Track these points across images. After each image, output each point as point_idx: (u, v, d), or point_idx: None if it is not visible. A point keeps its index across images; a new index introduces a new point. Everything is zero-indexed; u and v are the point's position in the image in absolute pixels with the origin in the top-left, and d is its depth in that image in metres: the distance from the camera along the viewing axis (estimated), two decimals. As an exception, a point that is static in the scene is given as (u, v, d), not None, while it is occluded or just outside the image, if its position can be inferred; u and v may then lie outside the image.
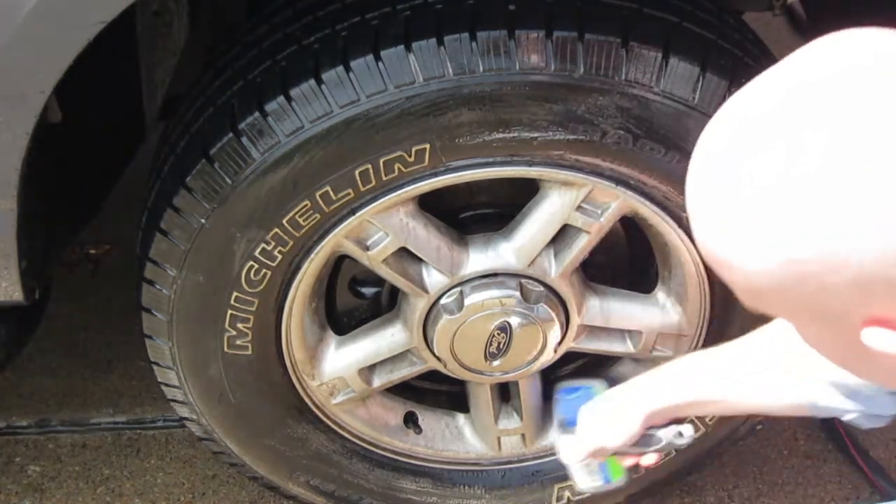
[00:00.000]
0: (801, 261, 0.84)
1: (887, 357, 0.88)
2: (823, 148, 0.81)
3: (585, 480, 1.60)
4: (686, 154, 1.56)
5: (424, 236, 1.65)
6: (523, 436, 1.92)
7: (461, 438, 1.95)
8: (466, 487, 1.95)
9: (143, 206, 1.71)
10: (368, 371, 1.82)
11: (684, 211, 1.62)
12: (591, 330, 1.81)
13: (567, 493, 1.95)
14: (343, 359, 1.81)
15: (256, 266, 1.62)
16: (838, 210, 0.82)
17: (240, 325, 1.68)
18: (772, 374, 1.36)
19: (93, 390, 2.38)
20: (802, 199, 0.83)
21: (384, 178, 1.55)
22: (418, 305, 1.72)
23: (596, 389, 1.63)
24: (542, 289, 1.71)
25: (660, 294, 1.81)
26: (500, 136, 1.53)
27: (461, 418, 1.95)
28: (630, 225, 1.78)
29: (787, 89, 0.85)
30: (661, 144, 1.55)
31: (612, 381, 1.73)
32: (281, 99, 1.50)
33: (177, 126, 1.69)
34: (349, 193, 1.56)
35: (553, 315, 1.72)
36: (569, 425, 1.58)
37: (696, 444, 1.90)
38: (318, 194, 1.55)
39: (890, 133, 0.80)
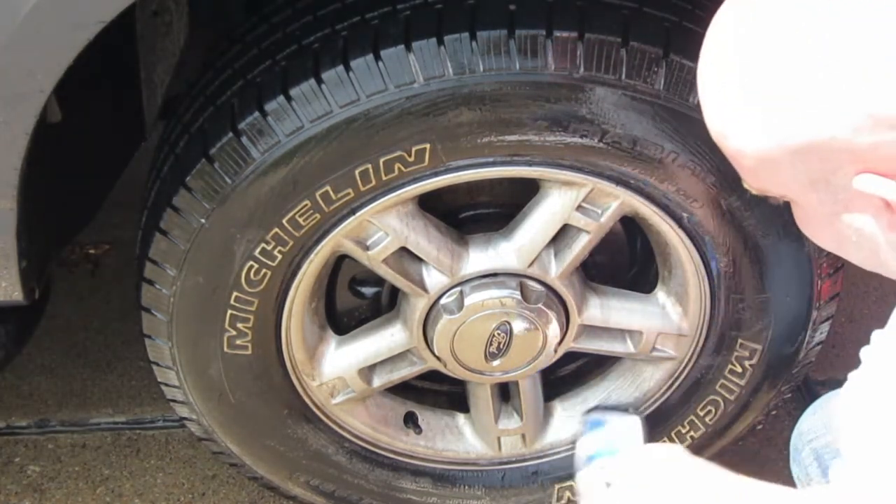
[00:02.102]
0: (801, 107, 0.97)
1: (872, 223, 0.99)
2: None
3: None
4: (686, 154, 1.57)
5: (424, 236, 1.65)
6: (523, 436, 1.92)
7: (461, 438, 1.95)
8: (466, 487, 1.95)
9: (143, 206, 1.71)
10: (368, 371, 1.82)
11: (684, 211, 1.63)
12: (591, 330, 1.81)
13: (567, 494, 1.95)
14: (343, 359, 1.81)
15: (256, 266, 1.62)
16: (816, 87, 0.95)
17: (240, 325, 1.68)
18: None
19: (92, 390, 2.38)
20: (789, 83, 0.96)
21: (384, 178, 1.55)
22: (418, 305, 1.71)
23: (625, 427, 1.65)
24: (542, 289, 1.71)
25: (660, 294, 1.81)
26: (500, 135, 1.53)
27: (461, 418, 1.95)
28: (630, 225, 1.78)
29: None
30: (661, 144, 1.55)
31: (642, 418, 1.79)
32: (281, 99, 1.50)
33: (177, 126, 1.68)
34: (349, 193, 1.56)
35: (553, 315, 1.72)
36: (592, 458, 1.61)
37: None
38: (318, 194, 1.55)
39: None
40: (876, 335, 1.03)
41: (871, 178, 0.95)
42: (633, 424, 1.74)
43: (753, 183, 1.09)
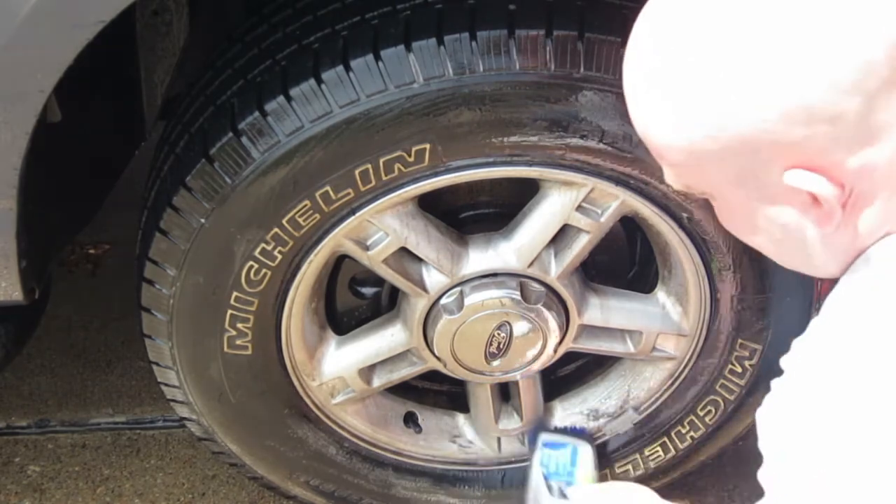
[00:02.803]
0: (720, 137, 0.97)
1: (801, 219, 0.98)
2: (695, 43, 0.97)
3: None
4: (686, 154, 1.56)
5: (424, 236, 1.65)
6: (523, 435, 1.92)
7: (461, 438, 1.95)
8: (466, 487, 1.95)
9: (143, 206, 1.71)
10: (368, 371, 1.82)
11: (685, 211, 1.63)
12: (591, 330, 1.81)
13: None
14: (343, 359, 1.81)
15: (256, 266, 1.62)
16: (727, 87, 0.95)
17: (240, 325, 1.68)
18: None
19: (92, 390, 2.38)
20: (704, 84, 0.96)
21: (384, 178, 1.55)
22: (418, 305, 1.71)
23: (582, 451, 1.72)
24: (542, 289, 1.71)
25: (660, 294, 1.81)
26: (500, 135, 1.53)
27: (461, 418, 1.95)
28: (630, 225, 1.78)
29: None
30: (662, 144, 1.55)
31: (596, 445, 1.83)
32: (281, 99, 1.50)
33: (177, 126, 1.68)
34: (349, 193, 1.56)
35: (553, 315, 1.72)
36: (547, 478, 1.66)
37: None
38: (318, 194, 1.55)
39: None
40: (796, 343, 1.02)
41: (802, 173, 0.94)
42: (587, 451, 1.77)
43: (677, 179, 1.08)
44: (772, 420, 1.00)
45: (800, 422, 0.97)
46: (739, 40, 0.94)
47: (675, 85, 0.98)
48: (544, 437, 1.79)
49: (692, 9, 0.98)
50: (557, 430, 1.85)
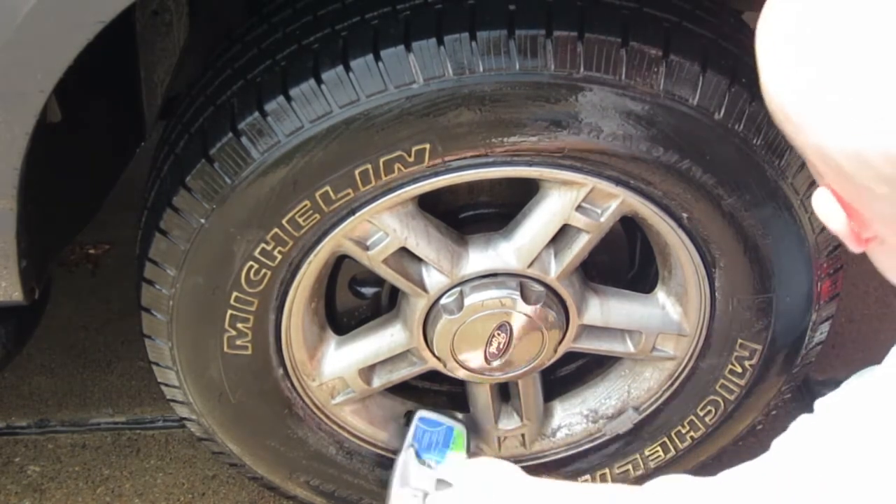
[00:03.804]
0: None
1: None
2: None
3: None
4: (686, 154, 1.57)
5: (424, 236, 1.65)
6: (523, 436, 1.92)
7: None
8: (466, 487, 1.95)
9: (143, 206, 1.71)
10: (368, 371, 1.82)
11: (684, 211, 1.63)
12: (591, 330, 1.81)
13: (567, 494, 1.95)
14: (343, 359, 1.81)
15: (256, 266, 1.62)
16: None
17: (240, 325, 1.68)
18: None
19: (92, 390, 2.38)
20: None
21: (384, 178, 1.55)
22: (418, 305, 1.71)
23: (457, 433, 1.76)
24: (542, 289, 1.71)
25: (660, 294, 1.81)
26: (500, 135, 1.53)
27: (461, 418, 1.95)
28: (630, 225, 1.78)
29: None
30: (661, 144, 1.55)
31: (469, 425, 1.86)
32: (281, 99, 1.50)
33: (177, 126, 1.68)
34: (349, 193, 1.56)
35: (553, 315, 1.72)
36: (419, 454, 1.70)
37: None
38: (317, 194, 1.55)
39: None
40: (841, 391, 1.00)
41: (827, 198, 0.94)
42: (461, 433, 1.80)
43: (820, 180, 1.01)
44: (787, 447, 0.99)
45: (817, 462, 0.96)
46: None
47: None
48: (421, 413, 1.82)
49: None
50: (435, 411, 1.85)
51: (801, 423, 0.99)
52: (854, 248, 0.97)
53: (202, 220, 1.58)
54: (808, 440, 0.97)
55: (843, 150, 0.89)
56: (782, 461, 0.99)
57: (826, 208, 0.94)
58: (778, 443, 0.99)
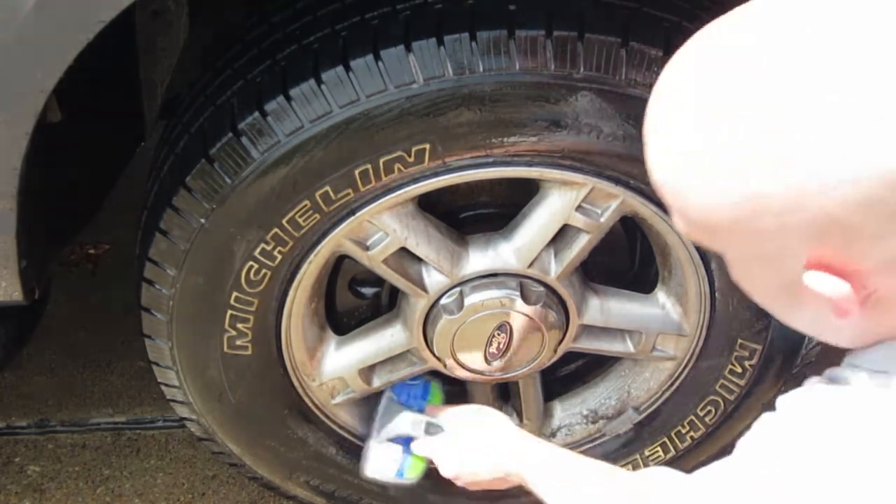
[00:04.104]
0: (766, 195, 0.86)
1: (818, 301, 0.90)
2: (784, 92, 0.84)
3: (379, 468, 1.69)
4: (686, 154, 1.56)
5: (424, 237, 1.65)
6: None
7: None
8: (466, 487, 1.95)
9: (143, 206, 1.71)
10: (368, 371, 1.82)
11: (684, 211, 1.63)
12: (591, 330, 1.81)
13: (567, 494, 1.95)
14: (343, 359, 1.81)
15: (256, 266, 1.62)
16: (806, 149, 0.83)
17: (240, 325, 1.68)
18: None
19: (92, 390, 2.38)
20: (765, 133, 0.84)
21: (384, 178, 1.55)
22: (418, 305, 1.71)
23: (433, 385, 1.77)
24: (542, 289, 1.71)
25: (660, 294, 1.81)
26: (500, 136, 1.53)
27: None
28: (630, 225, 1.78)
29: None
30: (661, 144, 1.55)
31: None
32: (281, 99, 1.50)
33: (177, 126, 1.68)
34: (349, 193, 1.56)
35: (553, 315, 1.72)
36: (401, 402, 1.72)
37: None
38: (317, 194, 1.55)
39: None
40: (798, 392, 1.00)
41: (822, 276, 0.88)
42: (438, 387, 1.80)
43: (689, 235, 0.97)
44: (756, 447, 0.99)
45: (773, 458, 0.96)
46: (789, 140, 0.84)
47: (709, 165, 0.88)
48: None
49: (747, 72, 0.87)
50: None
51: (764, 421, 0.98)
52: (852, 317, 0.91)
53: (202, 220, 1.58)
54: (769, 438, 0.97)
55: (851, 204, 0.83)
56: (745, 460, 0.98)
57: (826, 286, 0.88)
58: (742, 442, 1.00)
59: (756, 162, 0.85)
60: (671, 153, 0.91)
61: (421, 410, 1.73)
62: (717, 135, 0.86)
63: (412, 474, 1.69)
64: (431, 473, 1.66)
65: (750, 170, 0.86)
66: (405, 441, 1.69)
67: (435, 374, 1.84)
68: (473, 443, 1.57)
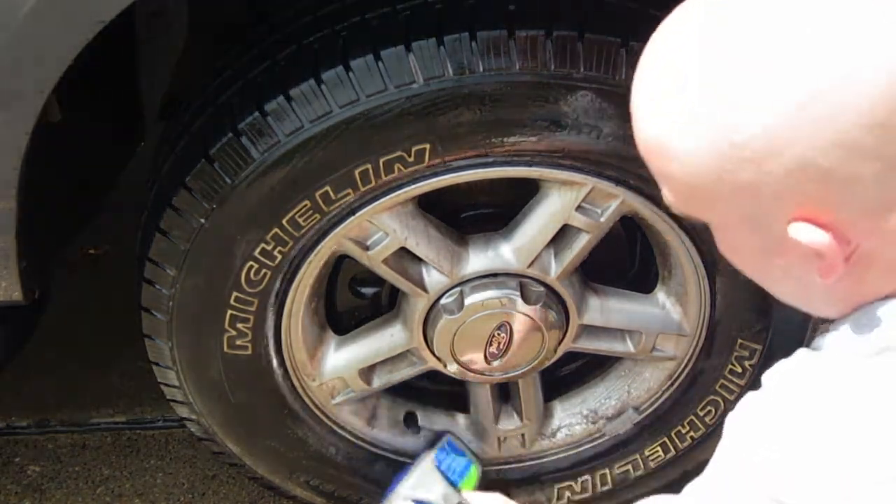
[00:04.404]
0: (741, 144, 0.89)
1: (803, 264, 0.93)
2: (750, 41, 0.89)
3: None
4: (686, 154, 1.56)
5: (424, 236, 1.65)
6: (523, 436, 1.92)
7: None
8: (466, 487, 1.95)
9: (143, 206, 1.71)
10: (368, 371, 1.82)
11: (684, 211, 1.63)
12: (591, 330, 1.81)
13: (567, 494, 1.95)
14: (343, 359, 1.81)
15: (256, 266, 1.62)
16: (773, 92, 0.87)
17: (240, 325, 1.68)
18: None
19: (93, 390, 2.38)
20: (741, 80, 0.88)
21: (384, 178, 1.55)
22: (418, 305, 1.71)
23: (473, 468, 1.78)
24: (542, 289, 1.71)
25: (660, 294, 1.81)
26: (500, 135, 1.53)
27: (461, 418, 1.95)
28: (630, 225, 1.78)
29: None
30: (661, 144, 1.55)
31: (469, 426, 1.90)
32: (281, 99, 1.50)
33: (177, 126, 1.69)
34: (349, 193, 1.56)
35: (553, 315, 1.72)
36: (440, 470, 1.71)
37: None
38: (317, 194, 1.55)
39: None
40: (780, 364, 1.01)
41: (806, 226, 0.90)
42: (477, 472, 1.80)
43: (677, 206, 1.01)
44: (738, 425, 1.00)
45: (760, 434, 0.97)
46: (759, 90, 0.88)
47: (689, 118, 0.92)
48: (451, 437, 1.82)
49: (727, 31, 0.92)
50: (460, 442, 1.86)
51: (748, 399, 1.00)
52: (837, 275, 0.93)
53: (202, 220, 1.58)
54: (752, 414, 0.98)
55: (827, 145, 0.87)
56: (731, 438, 1.00)
57: (810, 235, 0.90)
58: (728, 420, 1.01)
59: (729, 110, 0.89)
60: (656, 116, 0.95)
61: (454, 486, 1.72)
62: (695, 89, 0.90)
63: None
64: None
65: (725, 119, 0.89)
66: None
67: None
68: None
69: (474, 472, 1.78)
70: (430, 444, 1.83)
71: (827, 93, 0.85)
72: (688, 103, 0.91)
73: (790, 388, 0.96)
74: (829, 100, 0.85)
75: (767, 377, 0.99)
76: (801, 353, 0.98)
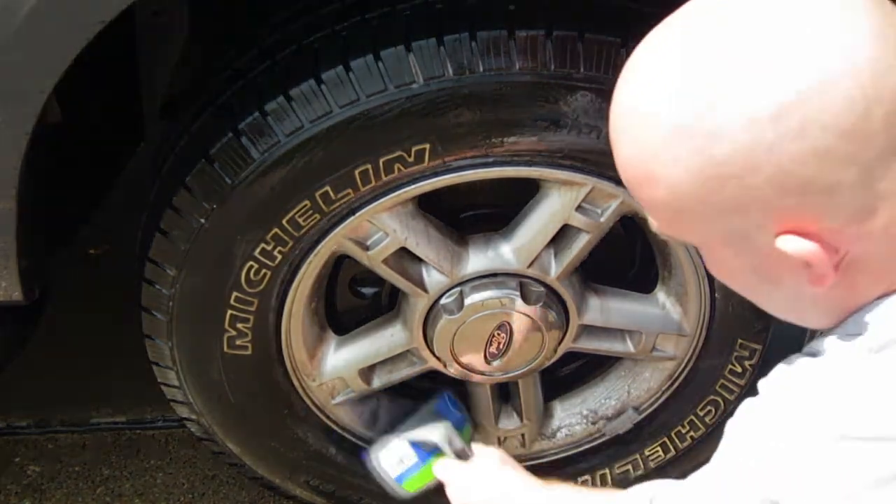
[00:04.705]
0: (722, 161, 0.90)
1: (794, 276, 0.94)
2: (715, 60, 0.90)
3: (386, 462, 1.65)
4: (686, 154, 1.56)
5: (424, 236, 1.65)
6: (523, 436, 1.92)
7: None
8: (466, 487, 1.95)
9: (143, 206, 1.71)
10: (368, 371, 1.82)
11: (684, 211, 1.63)
12: (591, 330, 1.81)
13: (567, 494, 1.95)
14: (343, 359, 1.81)
15: (256, 266, 1.62)
16: (746, 109, 0.88)
17: (240, 325, 1.68)
18: None
19: (93, 390, 2.38)
20: (715, 99, 0.89)
21: (384, 178, 1.55)
22: (418, 305, 1.71)
23: (467, 428, 1.75)
24: (542, 289, 1.71)
25: (660, 294, 1.81)
26: (500, 135, 1.53)
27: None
28: (630, 225, 1.78)
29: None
30: (661, 144, 1.55)
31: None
32: (281, 99, 1.50)
33: (177, 126, 1.69)
34: (349, 193, 1.56)
35: (553, 315, 1.72)
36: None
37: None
38: (317, 194, 1.55)
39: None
40: (777, 369, 1.02)
41: (794, 239, 0.91)
42: (471, 429, 1.79)
43: (663, 229, 1.01)
44: (737, 430, 1.01)
45: (757, 438, 0.98)
46: (734, 105, 0.89)
47: (668, 142, 0.92)
48: (448, 393, 1.78)
49: (698, 51, 0.92)
50: (458, 399, 1.82)
51: (746, 404, 1.01)
52: (828, 284, 0.94)
53: (202, 220, 1.58)
54: (751, 418, 0.99)
55: (803, 156, 0.87)
56: (730, 442, 1.01)
57: (798, 246, 0.91)
58: (728, 425, 1.02)
59: (707, 129, 0.89)
60: (635, 145, 0.96)
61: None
62: (671, 113, 0.91)
63: (409, 487, 1.66)
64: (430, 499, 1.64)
65: (704, 138, 0.90)
66: (424, 453, 1.65)
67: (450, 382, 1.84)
68: (487, 480, 1.53)
69: (468, 430, 1.76)
70: (427, 399, 1.79)
71: (796, 104, 0.86)
72: (665, 128, 0.92)
73: (788, 391, 0.97)
74: (799, 111, 0.86)
75: (764, 383, 1.00)
76: (797, 358, 0.99)
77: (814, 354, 0.98)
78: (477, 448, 1.60)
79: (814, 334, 1.05)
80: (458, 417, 1.73)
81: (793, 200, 0.90)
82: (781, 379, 0.99)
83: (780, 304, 1.04)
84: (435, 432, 1.64)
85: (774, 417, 0.96)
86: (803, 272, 0.94)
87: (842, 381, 0.93)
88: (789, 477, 0.93)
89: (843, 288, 0.95)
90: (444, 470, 1.59)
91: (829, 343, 0.98)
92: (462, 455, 1.60)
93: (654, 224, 1.01)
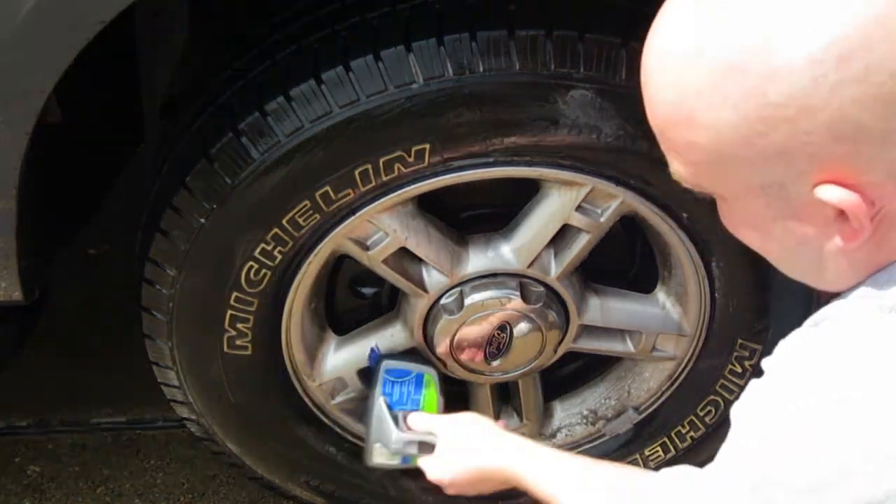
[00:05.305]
0: (777, 104, 0.86)
1: (824, 230, 0.91)
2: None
3: (382, 462, 1.66)
4: (686, 154, 1.56)
5: (424, 236, 1.65)
6: (522, 436, 1.92)
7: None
8: (466, 487, 1.95)
9: (144, 206, 1.71)
10: (368, 371, 1.82)
11: (684, 211, 1.63)
12: (591, 330, 1.81)
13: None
14: (343, 359, 1.81)
15: (256, 266, 1.62)
16: (808, 47, 0.84)
17: (240, 325, 1.68)
18: None
19: (93, 390, 2.38)
20: (775, 38, 0.85)
21: (384, 178, 1.55)
22: (418, 305, 1.71)
23: (427, 377, 1.70)
24: (542, 289, 1.71)
25: (660, 294, 1.81)
26: (500, 136, 1.53)
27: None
28: (630, 225, 1.78)
29: None
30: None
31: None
32: (281, 99, 1.50)
33: (177, 126, 1.69)
34: (349, 193, 1.56)
35: (553, 315, 1.72)
36: (392, 407, 1.66)
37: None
38: (317, 194, 1.55)
39: None
40: (780, 345, 1.00)
41: (835, 189, 0.88)
42: (431, 376, 1.72)
43: (687, 177, 0.97)
44: (744, 414, 0.99)
45: (766, 415, 0.95)
46: (795, 45, 0.85)
47: (716, 82, 0.88)
48: (387, 363, 1.72)
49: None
50: (400, 358, 1.75)
51: (751, 386, 0.98)
52: (861, 239, 0.91)
53: (202, 220, 1.58)
54: (756, 399, 0.97)
55: (865, 99, 0.85)
56: (740, 424, 0.99)
57: (839, 196, 0.88)
58: (734, 409, 1.00)
59: (763, 69, 0.86)
60: (676, 86, 0.91)
61: (417, 406, 1.70)
62: (720, 51, 0.87)
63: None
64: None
65: (760, 79, 0.86)
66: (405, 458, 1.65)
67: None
68: (454, 447, 1.53)
69: (429, 379, 1.71)
70: (371, 379, 1.74)
71: (860, 45, 0.83)
72: (712, 66, 0.88)
73: (793, 358, 0.94)
74: (864, 52, 0.83)
75: (768, 361, 0.98)
76: (799, 330, 0.97)
77: (817, 323, 0.95)
78: (444, 423, 1.58)
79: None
80: (410, 387, 1.71)
81: (844, 148, 0.87)
82: (785, 352, 0.96)
83: (798, 262, 1.00)
84: (394, 443, 1.63)
85: (778, 389, 0.94)
86: (832, 226, 0.91)
87: (851, 342, 0.91)
88: (789, 454, 0.91)
89: (871, 244, 0.93)
90: (420, 464, 1.59)
91: (836, 307, 0.95)
92: (427, 450, 1.58)
93: (680, 173, 0.96)
